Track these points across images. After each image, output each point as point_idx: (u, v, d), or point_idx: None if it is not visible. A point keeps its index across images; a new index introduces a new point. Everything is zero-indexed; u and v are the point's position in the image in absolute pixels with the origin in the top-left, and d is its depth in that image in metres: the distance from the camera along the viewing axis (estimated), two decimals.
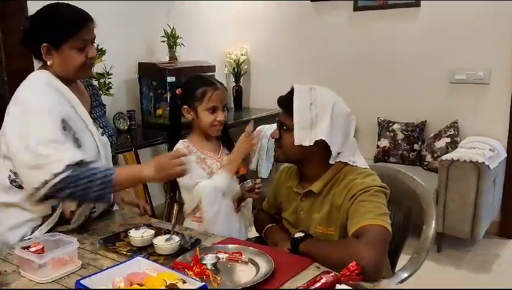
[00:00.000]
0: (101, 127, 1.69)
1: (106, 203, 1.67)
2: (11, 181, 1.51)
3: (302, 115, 1.46)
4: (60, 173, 1.40)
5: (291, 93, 1.51)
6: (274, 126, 1.66)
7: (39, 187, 1.41)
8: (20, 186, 1.50)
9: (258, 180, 1.78)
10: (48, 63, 1.54)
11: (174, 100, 1.81)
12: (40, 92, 1.50)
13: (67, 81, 1.57)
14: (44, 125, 1.44)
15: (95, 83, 3.04)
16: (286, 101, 1.52)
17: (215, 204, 1.68)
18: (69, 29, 1.51)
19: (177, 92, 1.79)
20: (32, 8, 2.85)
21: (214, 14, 4.20)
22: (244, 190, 1.78)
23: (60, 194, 1.44)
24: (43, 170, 1.40)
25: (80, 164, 1.44)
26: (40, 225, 1.54)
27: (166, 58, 3.62)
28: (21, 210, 1.53)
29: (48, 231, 1.53)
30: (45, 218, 1.53)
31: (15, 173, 1.49)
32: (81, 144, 1.53)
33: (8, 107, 1.51)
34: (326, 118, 1.46)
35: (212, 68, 3.73)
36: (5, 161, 1.52)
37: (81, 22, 1.53)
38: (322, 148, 1.47)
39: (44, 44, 1.51)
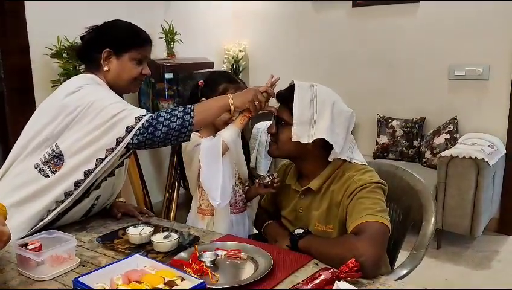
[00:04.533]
0: None
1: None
2: (40, 170, 1.49)
3: (302, 111, 1.45)
4: (143, 116, 1.45)
5: (291, 88, 1.49)
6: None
7: (123, 136, 1.43)
8: (47, 176, 1.48)
9: (275, 175, 1.67)
10: (105, 68, 1.58)
11: (195, 91, 1.78)
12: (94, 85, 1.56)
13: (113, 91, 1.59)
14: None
15: None
16: (286, 96, 1.51)
17: (213, 156, 1.55)
18: (135, 40, 1.60)
19: (199, 83, 1.78)
20: (30, 7, 2.87)
21: (212, 10, 4.18)
22: (261, 185, 1.68)
23: (145, 135, 1.44)
24: (128, 117, 1.44)
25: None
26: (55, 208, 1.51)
27: (164, 55, 3.60)
28: (34, 203, 1.50)
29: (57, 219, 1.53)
30: (58, 203, 1.50)
31: (46, 161, 1.48)
32: None
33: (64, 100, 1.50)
34: (326, 116, 1.44)
35: (210, 64, 3.71)
36: (35, 150, 1.50)
37: (147, 38, 1.63)
38: (319, 145, 1.46)
39: (107, 49, 1.56)
